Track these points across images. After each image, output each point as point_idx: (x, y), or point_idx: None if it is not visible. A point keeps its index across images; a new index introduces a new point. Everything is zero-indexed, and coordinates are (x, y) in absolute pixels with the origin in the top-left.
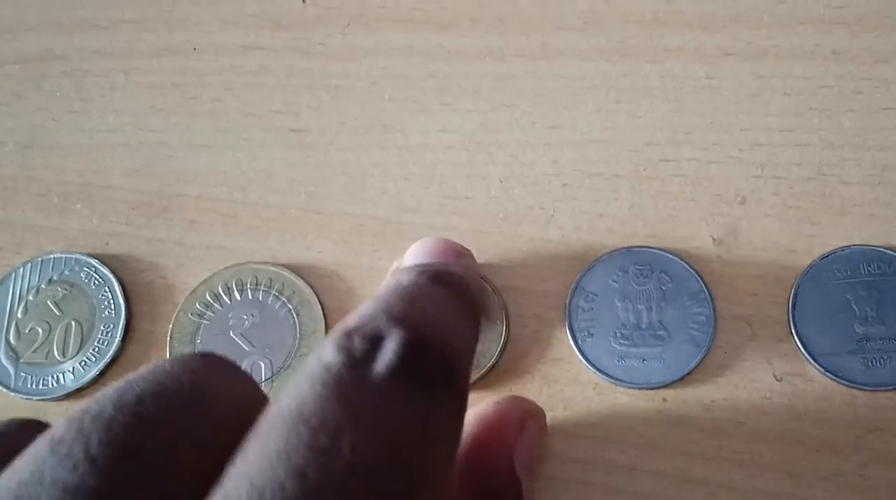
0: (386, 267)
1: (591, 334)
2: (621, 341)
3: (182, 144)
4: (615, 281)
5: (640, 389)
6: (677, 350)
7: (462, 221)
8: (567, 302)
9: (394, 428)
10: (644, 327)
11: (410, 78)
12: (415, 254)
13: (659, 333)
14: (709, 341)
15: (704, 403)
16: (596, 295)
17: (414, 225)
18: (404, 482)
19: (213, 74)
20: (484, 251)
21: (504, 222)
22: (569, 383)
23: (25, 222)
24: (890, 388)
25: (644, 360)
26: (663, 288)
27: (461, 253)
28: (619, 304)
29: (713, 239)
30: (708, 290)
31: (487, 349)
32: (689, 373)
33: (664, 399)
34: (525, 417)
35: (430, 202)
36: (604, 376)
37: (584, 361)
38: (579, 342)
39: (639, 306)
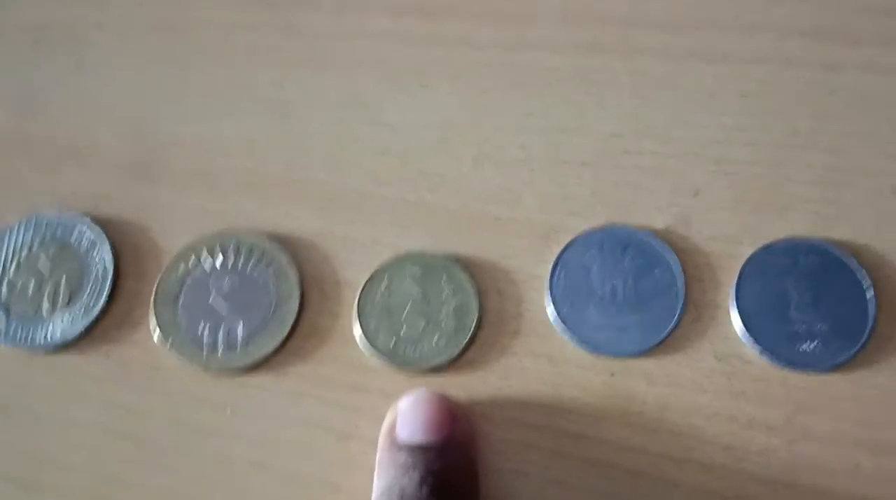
0: (361, 238)
1: (573, 305)
2: (600, 312)
3: (170, 112)
4: (593, 257)
5: (622, 358)
6: (655, 317)
7: (433, 198)
8: (549, 276)
9: None
10: (620, 299)
11: (393, 60)
12: (410, 422)
13: (635, 304)
14: (681, 308)
15: (649, 378)
16: (575, 269)
17: (388, 199)
18: None
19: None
20: (453, 227)
21: (474, 201)
22: (526, 354)
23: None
24: (822, 371)
25: (623, 330)
26: (637, 263)
27: (455, 416)
28: (595, 278)
29: (665, 227)
30: (680, 262)
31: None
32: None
33: (612, 374)
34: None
35: (404, 178)
36: (581, 346)
37: (564, 332)
38: (562, 313)
39: (615, 281)
